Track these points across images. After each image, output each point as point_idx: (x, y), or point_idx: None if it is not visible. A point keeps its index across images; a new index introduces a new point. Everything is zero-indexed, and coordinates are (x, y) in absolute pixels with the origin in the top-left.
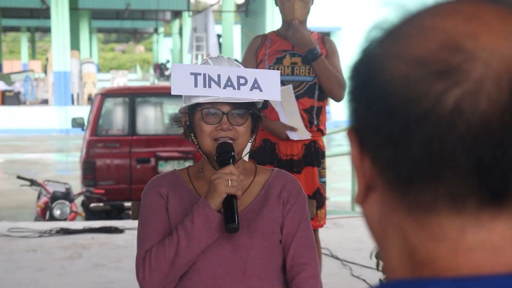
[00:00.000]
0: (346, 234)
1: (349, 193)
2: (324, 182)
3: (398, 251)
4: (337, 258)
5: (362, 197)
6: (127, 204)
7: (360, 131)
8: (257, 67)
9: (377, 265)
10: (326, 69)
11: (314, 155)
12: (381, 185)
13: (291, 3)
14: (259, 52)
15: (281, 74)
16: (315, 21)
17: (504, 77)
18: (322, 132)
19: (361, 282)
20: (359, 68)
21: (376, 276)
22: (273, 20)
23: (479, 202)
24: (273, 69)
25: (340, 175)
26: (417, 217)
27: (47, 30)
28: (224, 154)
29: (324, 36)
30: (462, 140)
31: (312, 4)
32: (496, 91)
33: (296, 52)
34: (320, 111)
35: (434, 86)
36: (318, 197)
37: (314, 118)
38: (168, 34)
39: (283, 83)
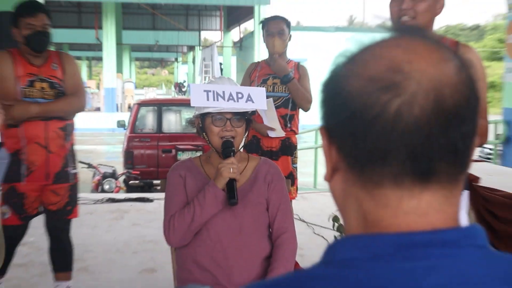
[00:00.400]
0: (310, 204)
1: (312, 176)
2: (296, 167)
3: (355, 215)
4: (303, 221)
5: (329, 176)
6: (155, 181)
7: (329, 129)
8: (250, 85)
9: (333, 226)
10: (297, 89)
11: (288, 148)
12: (343, 167)
13: (272, 40)
14: (252, 74)
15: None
16: (289, 52)
17: (430, 92)
18: (294, 132)
19: (321, 238)
20: (329, 84)
21: (331, 234)
22: (259, 53)
23: (412, 180)
24: (260, 87)
25: (306, 163)
26: (369, 190)
27: (100, 59)
28: (227, 149)
29: (300, 64)
30: (401, 136)
31: (289, 40)
32: (425, 101)
33: (276, 75)
34: (293, 118)
35: (382, 97)
36: (291, 178)
37: (288, 122)
38: (184, 62)
39: (266, 97)
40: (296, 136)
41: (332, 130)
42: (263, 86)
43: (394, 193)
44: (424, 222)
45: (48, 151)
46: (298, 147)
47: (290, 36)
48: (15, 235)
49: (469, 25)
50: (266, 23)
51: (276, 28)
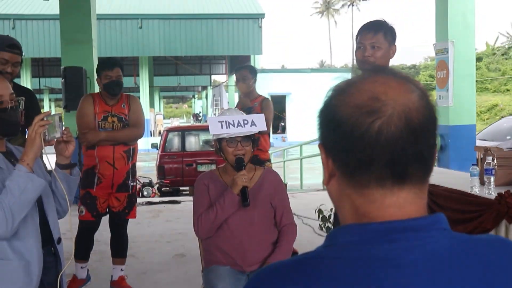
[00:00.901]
0: (298, 201)
1: (299, 180)
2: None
3: (349, 209)
4: (294, 214)
5: (327, 181)
6: (182, 188)
7: (325, 145)
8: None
9: (318, 217)
10: None
11: (257, 162)
12: (338, 174)
13: (238, 85)
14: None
15: None
16: (274, 88)
17: (402, 114)
18: (261, 150)
19: (308, 227)
20: (324, 111)
21: (317, 223)
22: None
23: (392, 181)
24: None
25: (293, 170)
26: (359, 191)
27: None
28: (239, 164)
29: (264, 99)
30: (382, 148)
31: (254, 82)
32: (399, 121)
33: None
34: (259, 139)
35: (366, 119)
36: None
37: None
38: (199, 98)
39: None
40: (269, 152)
41: (328, 146)
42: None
43: (378, 192)
44: (402, 213)
45: (114, 167)
46: (287, 158)
47: (255, 80)
48: (89, 228)
49: (408, 65)
50: (236, 72)
51: (240, 75)
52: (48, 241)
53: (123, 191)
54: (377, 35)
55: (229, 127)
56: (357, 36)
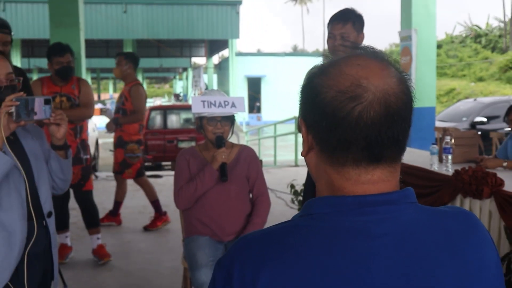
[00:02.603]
0: (272, 176)
1: (273, 157)
2: (129, 156)
3: (325, 182)
4: (268, 188)
5: (305, 153)
6: (163, 163)
7: (306, 121)
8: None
9: (290, 191)
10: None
11: (120, 142)
12: (317, 149)
13: (113, 70)
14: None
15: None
16: (250, 71)
17: (382, 100)
18: (124, 131)
19: (281, 200)
20: (306, 88)
21: (289, 197)
22: (233, 73)
23: (367, 162)
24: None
25: (268, 148)
26: (336, 168)
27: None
28: (219, 142)
29: (133, 85)
30: (361, 131)
31: (129, 68)
32: (378, 106)
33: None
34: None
35: (348, 104)
36: (126, 164)
37: (119, 125)
38: (180, 79)
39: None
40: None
41: (309, 122)
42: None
43: (354, 171)
44: (375, 189)
45: None
46: (262, 136)
47: (130, 66)
48: (59, 199)
49: None
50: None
51: (117, 61)
52: (39, 214)
53: (77, 164)
54: (346, 25)
55: (211, 107)
56: (328, 25)
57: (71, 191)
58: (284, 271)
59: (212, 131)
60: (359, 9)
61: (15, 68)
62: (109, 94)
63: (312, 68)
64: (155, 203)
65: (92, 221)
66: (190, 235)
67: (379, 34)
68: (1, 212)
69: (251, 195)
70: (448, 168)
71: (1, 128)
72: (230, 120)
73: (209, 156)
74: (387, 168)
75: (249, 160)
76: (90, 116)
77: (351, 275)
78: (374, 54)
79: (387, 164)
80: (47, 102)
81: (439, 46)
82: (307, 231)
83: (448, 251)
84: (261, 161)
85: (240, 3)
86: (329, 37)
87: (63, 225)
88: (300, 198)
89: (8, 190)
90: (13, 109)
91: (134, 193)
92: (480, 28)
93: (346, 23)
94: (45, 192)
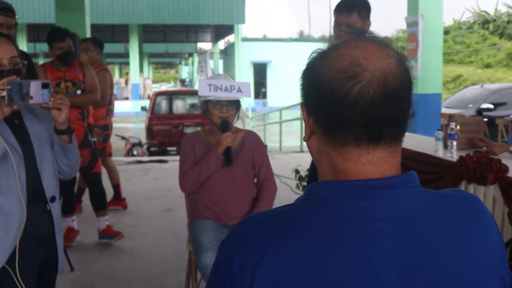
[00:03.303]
0: (277, 162)
1: (278, 142)
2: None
3: (327, 166)
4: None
5: (307, 138)
6: (169, 148)
7: (308, 105)
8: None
9: (295, 176)
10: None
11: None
12: (318, 132)
13: (81, 56)
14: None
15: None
16: (256, 56)
17: (380, 79)
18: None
19: (286, 185)
20: (307, 72)
21: (294, 182)
22: (238, 58)
23: (368, 141)
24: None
25: (273, 133)
26: (337, 149)
27: (127, 63)
28: (225, 126)
29: (100, 69)
30: (360, 110)
31: (97, 53)
32: (377, 85)
33: (68, 79)
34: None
35: (347, 83)
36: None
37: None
38: (186, 64)
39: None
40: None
41: (310, 106)
42: (56, 89)
43: (355, 151)
44: (376, 171)
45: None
46: (267, 122)
47: (98, 51)
48: (65, 184)
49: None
50: (81, 42)
51: (84, 46)
52: (41, 199)
53: (85, 147)
54: (351, 15)
55: (217, 91)
56: (334, 12)
57: (78, 174)
58: (286, 257)
59: (218, 115)
60: None
61: (21, 52)
62: (115, 79)
63: (313, 52)
64: (116, 187)
65: (100, 203)
66: (195, 219)
67: (386, 20)
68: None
69: (255, 180)
70: (453, 154)
71: None
72: (235, 105)
73: (214, 140)
74: (387, 149)
75: (254, 145)
76: (97, 100)
77: (352, 260)
78: (373, 38)
79: (387, 145)
80: (44, 86)
81: (446, 32)
82: (309, 216)
83: (451, 235)
84: (266, 146)
85: None
86: (335, 26)
87: (69, 208)
88: (305, 183)
89: (6, 173)
90: (4, 93)
91: (140, 178)
92: (488, 14)
93: (352, 12)
94: (48, 176)
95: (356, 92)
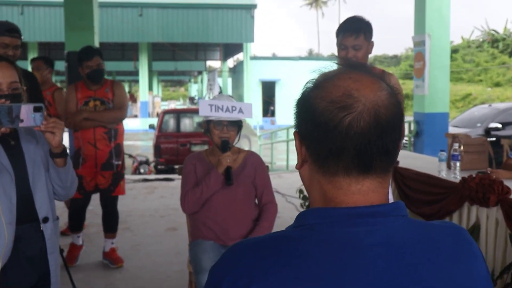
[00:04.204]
0: (283, 181)
1: (285, 161)
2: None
3: (318, 193)
4: (279, 192)
5: (300, 166)
6: (176, 166)
7: (300, 133)
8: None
9: (299, 196)
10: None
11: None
12: (310, 161)
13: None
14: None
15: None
16: (265, 75)
17: (372, 110)
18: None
19: (291, 205)
20: (301, 101)
21: (298, 201)
22: (247, 76)
23: (357, 171)
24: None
25: (280, 152)
26: (327, 178)
27: (137, 81)
28: (225, 146)
29: (56, 89)
30: (351, 141)
31: (48, 72)
32: (368, 117)
33: (97, 98)
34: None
35: (339, 114)
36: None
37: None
38: (195, 82)
39: None
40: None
41: (302, 134)
42: (84, 108)
43: (345, 180)
44: (365, 199)
45: (96, 148)
46: (275, 140)
47: (50, 70)
48: (79, 205)
49: (390, 55)
50: (31, 62)
51: (35, 65)
52: (35, 219)
53: (108, 169)
54: (358, 37)
55: (218, 111)
56: (337, 34)
57: (91, 195)
58: (275, 282)
59: (218, 135)
60: (374, 12)
61: (26, 72)
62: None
63: (307, 82)
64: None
65: (111, 225)
66: (195, 239)
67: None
68: None
69: (256, 201)
70: (456, 175)
71: None
72: (237, 125)
73: (215, 161)
74: (377, 179)
75: (255, 166)
76: (122, 118)
77: (340, 285)
78: (366, 70)
79: (376, 175)
80: (37, 109)
81: (455, 50)
82: (299, 242)
83: (437, 264)
84: (267, 167)
85: (255, 7)
86: (341, 48)
87: (77, 227)
88: (308, 203)
89: None
90: None
91: (146, 196)
92: (497, 32)
93: (359, 35)
94: (41, 197)
95: (347, 122)
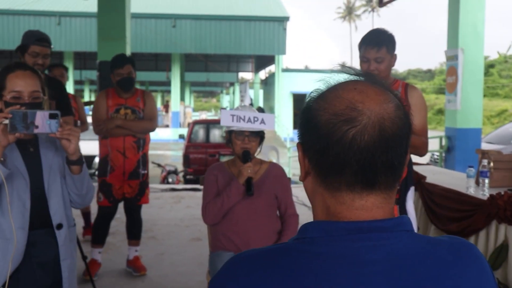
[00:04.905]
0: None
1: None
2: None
3: (321, 207)
4: (305, 205)
5: (303, 178)
6: (203, 176)
7: (303, 145)
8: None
9: None
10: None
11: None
12: (313, 173)
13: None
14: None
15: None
16: (297, 87)
17: (377, 124)
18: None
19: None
20: (304, 113)
21: None
22: (278, 88)
23: (361, 187)
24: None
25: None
26: (331, 192)
27: (169, 91)
28: (246, 157)
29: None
30: (354, 155)
31: (66, 81)
32: (372, 131)
33: (128, 106)
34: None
35: (342, 127)
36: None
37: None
38: (227, 93)
39: None
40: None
41: (305, 146)
42: (115, 115)
43: (348, 195)
44: (369, 216)
45: (125, 157)
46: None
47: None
48: (107, 213)
49: (424, 69)
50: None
51: (59, 72)
52: (47, 225)
53: (134, 178)
54: (380, 50)
55: (239, 121)
56: (360, 46)
57: (118, 205)
58: None
59: (240, 145)
60: (409, 26)
61: (54, 80)
62: (157, 107)
63: (311, 92)
64: (86, 214)
65: (134, 233)
66: (215, 250)
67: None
68: (1, 218)
69: (278, 213)
70: (485, 192)
71: None
72: (258, 136)
73: (236, 171)
74: (381, 195)
75: (278, 178)
76: (153, 129)
77: None
78: (373, 81)
79: (381, 191)
80: (52, 116)
81: (491, 65)
82: (298, 255)
83: (441, 281)
84: (289, 179)
85: (287, 19)
86: (363, 61)
87: (100, 239)
88: None
89: (11, 198)
90: (7, 121)
91: (173, 206)
92: None
93: (381, 48)
94: (56, 204)
95: (351, 136)
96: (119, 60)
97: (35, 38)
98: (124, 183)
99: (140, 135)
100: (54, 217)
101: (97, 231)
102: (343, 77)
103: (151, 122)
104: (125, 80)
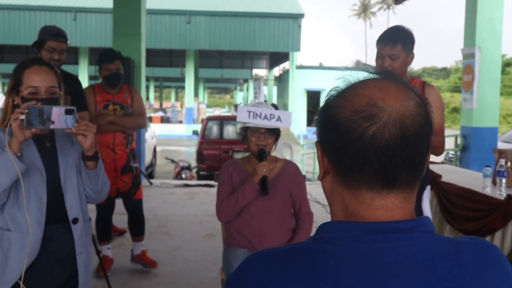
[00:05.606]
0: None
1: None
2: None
3: (339, 207)
4: (319, 203)
5: (322, 177)
6: (217, 172)
7: (322, 143)
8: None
9: None
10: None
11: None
12: (332, 172)
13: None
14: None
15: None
16: (311, 84)
17: (398, 121)
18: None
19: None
20: (323, 111)
21: None
22: (292, 85)
23: (381, 185)
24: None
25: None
26: (350, 190)
27: (183, 88)
28: (261, 155)
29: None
30: (375, 153)
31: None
32: (393, 128)
33: (116, 102)
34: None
35: (362, 124)
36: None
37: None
38: (241, 90)
39: None
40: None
41: (324, 144)
42: (104, 111)
43: (368, 194)
44: (389, 216)
45: (114, 152)
46: (303, 152)
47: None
48: (104, 209)
49: (439, 67)
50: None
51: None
52: (63, 219)
53: (127, 172)
54: (395, 47)
55: (256, 118)
56: (377, 43)
57: (115, 200)
58: None
59: (255, 142)
60: (425, 24)
61: (70, 76)
62: (171, 103)
63: (330, 90)
64: None
65: (138, 229)
66: (229, 246)
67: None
68: (18, 212)
69: (292, 211)
70: (502, 192)
71: (12, 133)
72: (274, 133)
73: (251, 169)
74: (402, 194)
75: (292, 176)
76: (143, 126)
77: None
78: (393, 79)
79: (401, 190)
80: (68, 112)
81: (508, 64)
82: (316, 256)
83: (461, 283)
84: (304, 177)
85: (302, 16)
86: (378, 57)
87: (106, 236)
88: None
89: (28, 193)
90: (23, 117)
91: (186, 202)
92: None
93: (396, 44)
94: (72, 198)
95: (371, 133)
96: (109, 55)
97: (52, 34)
98: (116, 179)
99: (130, 131)
100: (70, 212)
101: (100, 228)
102: (361, 75)
103: (142, 118)
104: (113, 75)
